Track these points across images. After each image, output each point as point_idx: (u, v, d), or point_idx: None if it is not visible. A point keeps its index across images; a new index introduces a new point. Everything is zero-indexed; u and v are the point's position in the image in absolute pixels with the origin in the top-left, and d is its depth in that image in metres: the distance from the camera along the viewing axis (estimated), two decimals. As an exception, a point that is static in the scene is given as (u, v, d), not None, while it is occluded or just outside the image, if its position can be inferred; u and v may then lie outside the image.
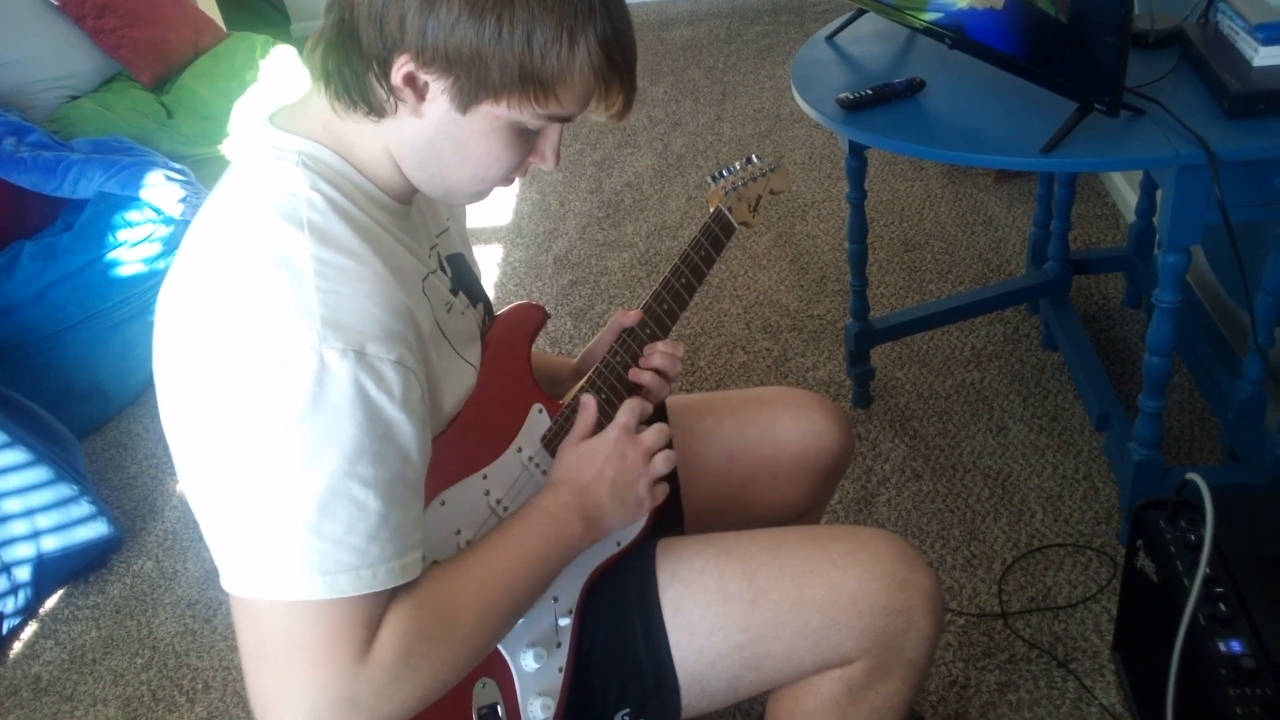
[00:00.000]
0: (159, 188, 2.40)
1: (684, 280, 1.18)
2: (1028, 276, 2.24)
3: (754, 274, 2.62)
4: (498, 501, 0.99)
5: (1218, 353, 1.91)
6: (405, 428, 0.80)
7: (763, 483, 1.27)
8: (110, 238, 2.35)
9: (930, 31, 1.62)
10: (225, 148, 2.94)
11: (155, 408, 2.79)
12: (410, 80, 0.80)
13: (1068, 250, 2.15)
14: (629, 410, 1.05)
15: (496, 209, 3.10)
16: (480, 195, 0.91)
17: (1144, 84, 1.44)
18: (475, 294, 1.06)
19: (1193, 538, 1.31)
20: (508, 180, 0.90)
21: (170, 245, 2.45)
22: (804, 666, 1.04)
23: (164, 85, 3.15)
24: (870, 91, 1.55)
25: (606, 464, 1.00)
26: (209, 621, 1.92)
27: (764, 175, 1.34)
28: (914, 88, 1.56)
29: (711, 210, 1.24)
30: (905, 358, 2.26)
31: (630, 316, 1.14)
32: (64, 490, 1.97)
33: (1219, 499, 1.25)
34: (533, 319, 1.09)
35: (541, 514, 0.95)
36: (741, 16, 4.24)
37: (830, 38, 1.82)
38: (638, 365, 1.13)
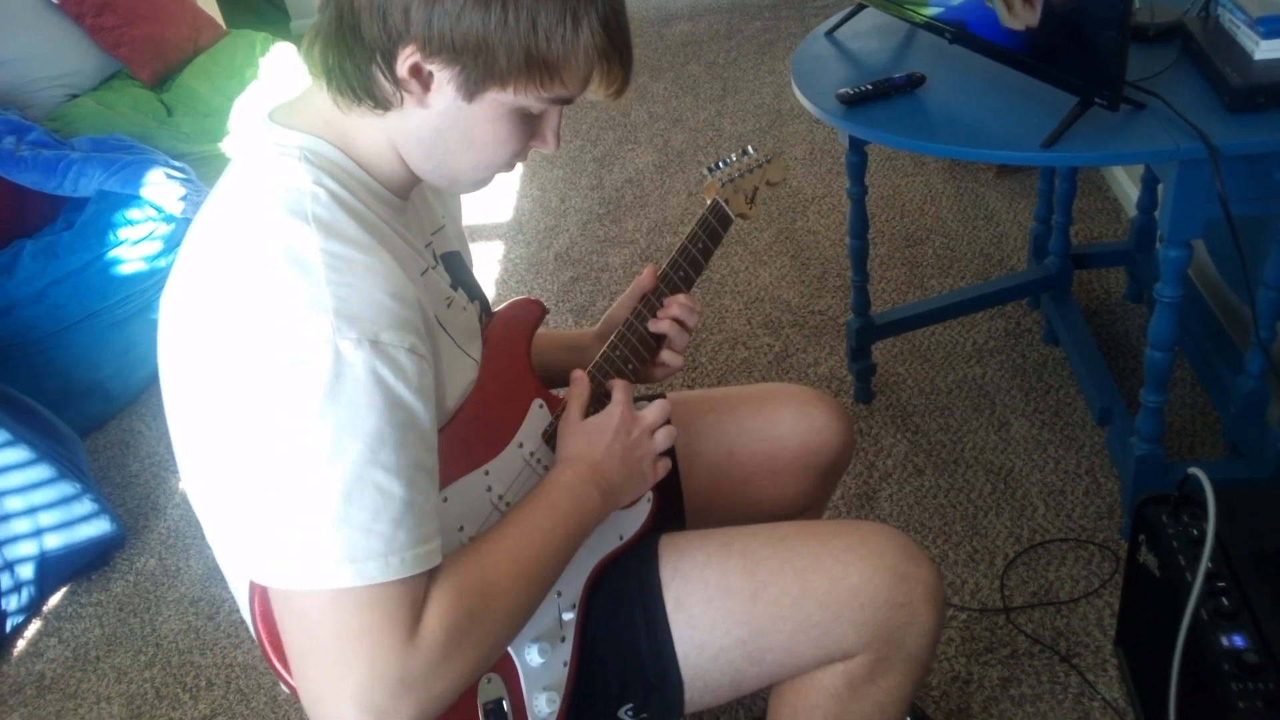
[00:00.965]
0: (160, 186, 2.40)
1: (682, 273, 1.18)
2: (1029, 271, 2.24)
3: (755, 269, 2.62)
4: (500, 498, 0.99)
5: (1219, 347, 1.91)
6: (422, 414, 0.81)
7: (764, 479, 1.27)
8: (111, 236, 2.35)
9: (931, 26, 1.62)
10: (226, 145, 2.94)
11: (157, 406, 2.78)
12: (416, 71, 0.80)
13: (1069, 245, 2.15)
14: (622, 389, 1.06)
15: (497, 206, 3.10)
16: (484, 183, 0.92)
17: (1144, 78, 1.44)
18: (473, 291, 1.07)
19: (1195, 532, 1.31)
20: (510, 166, 0.91)
21: (171, 243, 2.45)
22: (806, 660, 1.04)
23: (164, 83, 3.15)
24: (870, 86, 1.55)
25: (614, 440, 1.02)
26: (212, 619, 1.92)
27: (760, 166, 1.34)
28: (914, 83, 1.56)
29: (708, 202, 1.24)
30: (906, 353, 2.26)
31: (647, 277, 1.17)
32: (66, 488, 1.97)
33: (1221, 493, 1.25)
34: (532, 314, 1.10)
35: (562, 490, 0.97)
36: (742, 12, 4.23)
37: (830, 33, 1.82)
38: (656, 316, 1.16)
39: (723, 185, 1.27)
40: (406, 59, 0.79)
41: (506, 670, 0.97)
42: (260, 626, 0.86)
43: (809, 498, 1.31)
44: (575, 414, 1.05)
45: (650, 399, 1.16)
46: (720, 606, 1.03)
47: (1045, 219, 2.21)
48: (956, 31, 1.56)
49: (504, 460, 1.01)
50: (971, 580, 1.74)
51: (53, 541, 1.97)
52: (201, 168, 2.71)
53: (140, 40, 3.10)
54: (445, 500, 0.94)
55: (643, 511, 1.10)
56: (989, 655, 1.62)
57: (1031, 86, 1.46)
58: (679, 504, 1.24)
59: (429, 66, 0.80)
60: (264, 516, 0.78)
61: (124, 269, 2.37)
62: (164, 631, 1.91)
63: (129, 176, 2.39)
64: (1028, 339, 2.25)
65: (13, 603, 1.95)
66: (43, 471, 1.94)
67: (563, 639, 1.01)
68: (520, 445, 1.03)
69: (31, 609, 1.98)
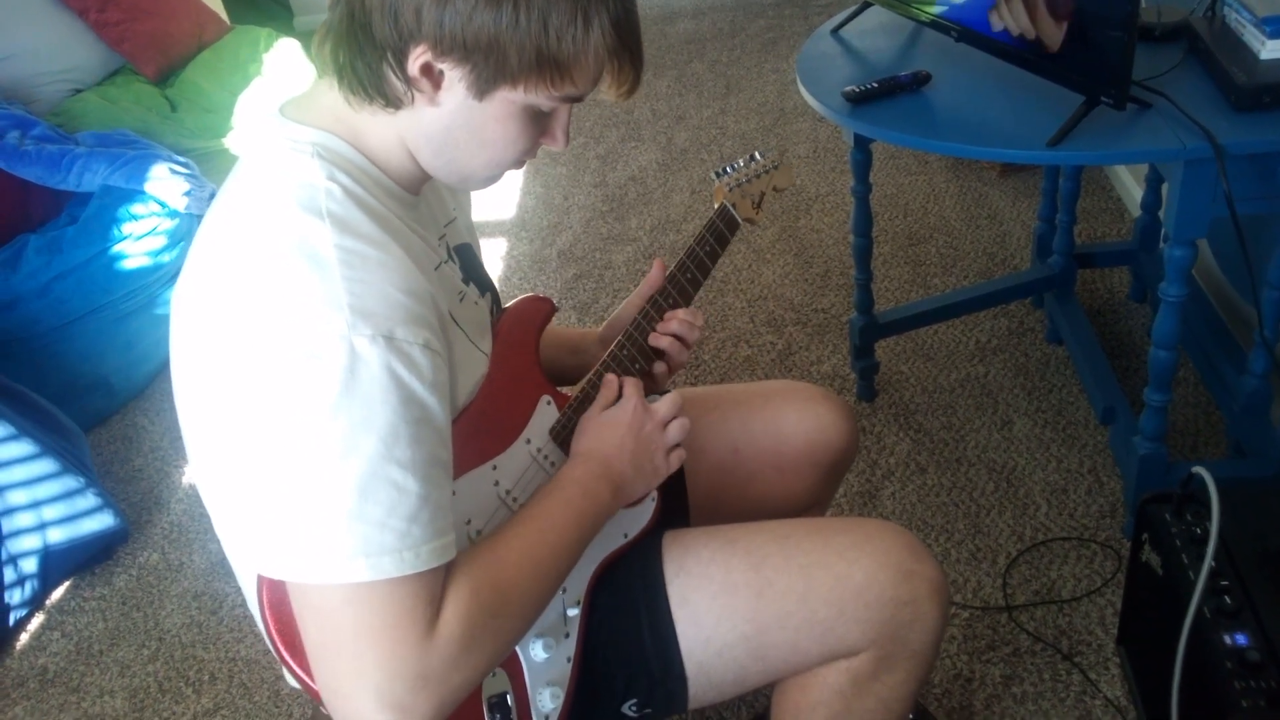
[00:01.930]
0: (164, 181, 2.40)
1: (689, 275, 1.19)
2: (1033, 270, 2.24)
3: (759, 268, 2.62)
4: (507, 492, 1.00)
5: (1223, 346, 1.91)
6: (436, 409, 0.81)
7: (768, 477, 1.27)
8: (115, 231, 2.36)
9: (937, 25, 1.62)
10: (229, 141, 2.94)
11: (160, 401, 2.78)
12: (427, 70, 0.81)
13: (1073, 244, 2.15)
14: (633, 385, 1.07)
15: (500, 203, 3.10)
16: (493, 180, 0.92)
17: (1150, 77, 1.44)
18: (484, 284, 1.07)
19: (1198, 531, 1.31)
20: (520, 163, 0.91)
21: (175, 238, 2.45)
22: (810, 657, 1.04)
23: (168, 79, 3.16)
24: (876, 85, 1.55)
25: (627, 435, 1.02)
26: (215, 613, 1.92)
27: (767, 172, 1.35)
28: (920, 81, 1.56)
29: (716, 206, 1.25)
30: (910, 352, 2.26)
31: (656, 274, 1.17)
32: (70, 482, 1.98)
33: (1224, 492, 1.25)
34: (541, 311, 1.10)
35: (574, 485, 0.97)
36: (746, 10, 4.23)
37: (836, 31, 1.82)
38: (656, 330, 1.16)
39: (730, 190, 1.28)
40: (418, 58, 0.80)
41: (511, 665, 0.98)
42: (269, 615, 0.86)
43: (813, 495, 1.31)
44: (596, 411, 1.06)
45: (659, 394, 1.17)
46: (725, 603, 1.03)
47: (1049, 218, 2.21)
48: (962, 30, 1.56)
49: (511, 455, 1.01)
50: (974, 578, 1.75)
51: (56, 536, 1.98)
52: (205, 163, 2.71)
53: (144, 36, 3.11)
54: (454, 494, 0.95)
55: (647, 509, 1.10)
56: (991, 653, 1.63)
57: (1037, 85, 1.46)
58: (683, 501, 1.24)
59: (440, 66, 0.80)
60: (278, 511, 0.78)
61: (128, 264, 2.38)
62: (167, 626, 1.92)
63: (133, 172, 2.39)
64: (1031, 338, 2.25)
65: (16, 596, 1.95)
66: (46, 466, 1.95)
67: (567, 634, 1.02)
68: (528, 441, 1.03)
69: (35, 603, 1.99)
